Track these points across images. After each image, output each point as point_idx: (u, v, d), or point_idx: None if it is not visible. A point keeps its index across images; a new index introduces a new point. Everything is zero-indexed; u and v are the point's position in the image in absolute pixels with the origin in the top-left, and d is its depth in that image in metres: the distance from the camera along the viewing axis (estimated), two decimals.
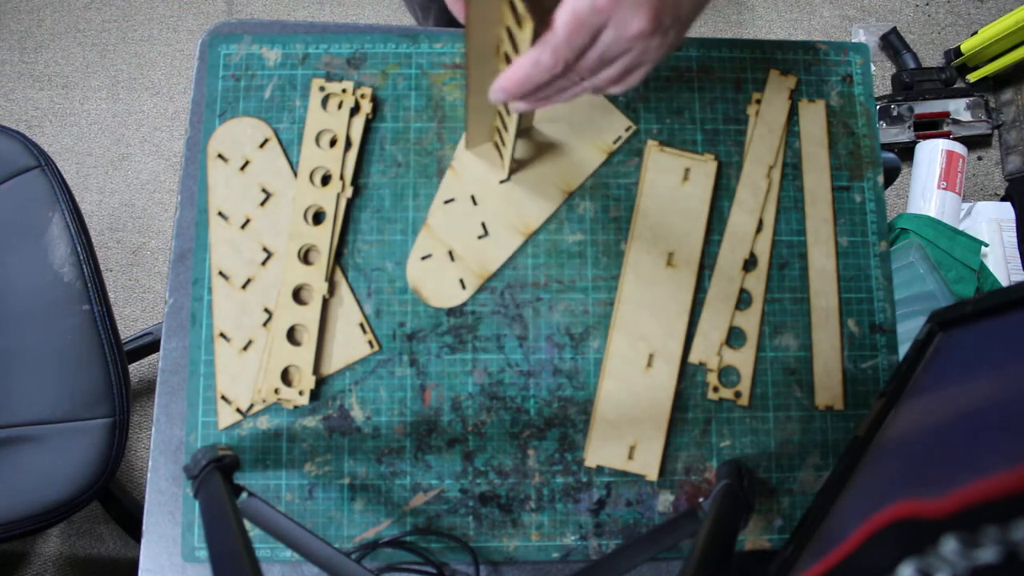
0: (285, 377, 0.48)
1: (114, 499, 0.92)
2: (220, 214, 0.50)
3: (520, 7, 0.29)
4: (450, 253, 0.38)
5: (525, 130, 0.44)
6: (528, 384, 0.49)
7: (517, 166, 0.44)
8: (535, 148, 0.45)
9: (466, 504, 0.47)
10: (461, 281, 0.38)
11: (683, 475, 0.48)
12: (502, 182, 0.42)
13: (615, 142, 0.45)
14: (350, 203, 0.50)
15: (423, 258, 0.38)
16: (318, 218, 0.50)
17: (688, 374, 0.49)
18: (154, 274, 1.23)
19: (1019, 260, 1.18)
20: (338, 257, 0.50)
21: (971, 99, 1.28)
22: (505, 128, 0.39)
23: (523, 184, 0.43)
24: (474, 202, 0.40)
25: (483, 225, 0.40)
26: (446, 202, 0.40)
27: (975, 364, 0.32)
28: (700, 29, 1.37)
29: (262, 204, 0.50)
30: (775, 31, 1.38)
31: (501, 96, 0.33)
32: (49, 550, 1.09)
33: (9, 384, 0.66)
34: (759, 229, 0.51)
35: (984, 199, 1.29)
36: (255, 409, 0.48)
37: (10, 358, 0.67)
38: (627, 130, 0.45)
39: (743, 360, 0.50)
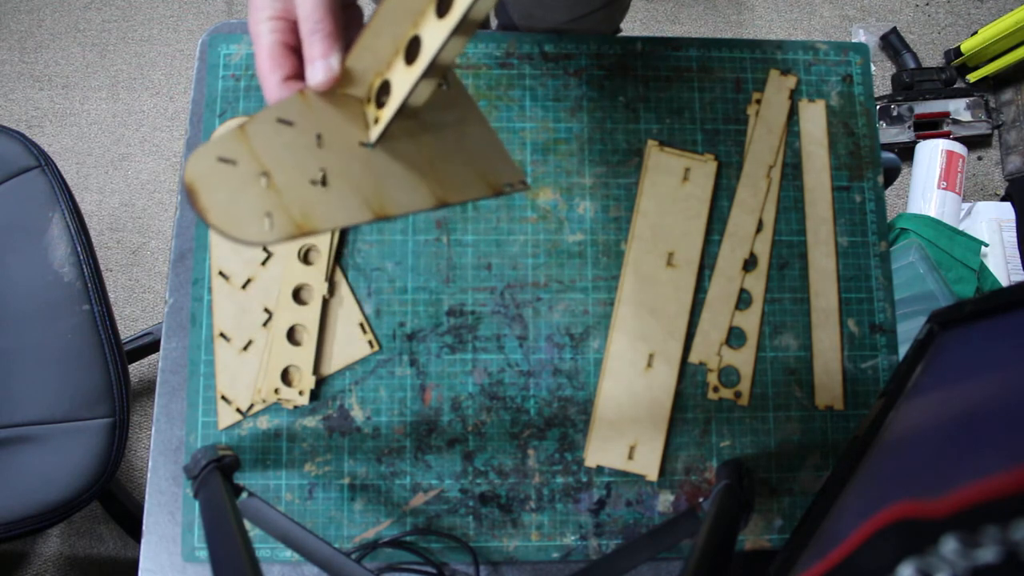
0: (285, 377, 0.48)
1: (114, 499, 0.92)
2: None
3: None
4: (264, 176, 0.28)
5: (413, 110, 0.32)
6: (528, 384, 0.49)
7: (391, 136, 0.33)
8: (417, 132, 0.34)
9: (466, 504, 0.47)
10: (269, 216, 0.28)
11: (683, 475, 0.48)
12: (365, 145, 0.32)
13: (506, 187, 0.35)
14: None
15: (221, 160, 0.27)
16: None
17: (688, 374, 0.49)
18: (154, 274, 1.23)
19: (1019, 260, 1.18)
20: (338, 257, 0.50)
21: (971, 99, 1.28)
22: (395, 73, 0.30)
23: (391, 161, 0.33)
24: (320, 143, 0.30)
25: (322, 172, 0.30)
26: (280, 120, 0.29)
27: (975, 364, 0.32)
28: (700, 29, 1.37)
29: None
30: (775, 31, 1.38)
31: None
32: (49, 550, 1.09)
33: (9, 384, 0.66)
34: (759, 229, 0.51)
35: (984, 199, 1.29)
36: (255, 409, 0.48)
37: (10, 358, 0.67)
38: (520, 183, 0.35)
39: (743, 360, 0.50)
